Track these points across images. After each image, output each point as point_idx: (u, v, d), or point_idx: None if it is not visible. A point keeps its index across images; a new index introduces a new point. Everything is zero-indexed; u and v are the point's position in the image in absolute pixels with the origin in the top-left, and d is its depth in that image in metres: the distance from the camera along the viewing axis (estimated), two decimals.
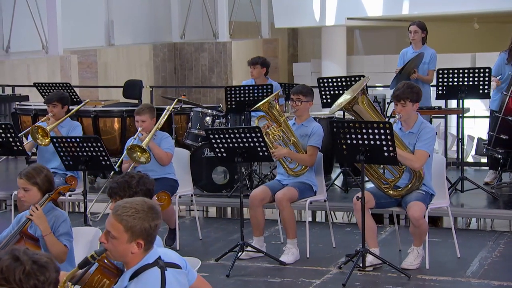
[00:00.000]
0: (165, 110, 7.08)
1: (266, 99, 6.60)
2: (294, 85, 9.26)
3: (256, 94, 8.13)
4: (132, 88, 10.09)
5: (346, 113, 7.85)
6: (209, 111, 8.35)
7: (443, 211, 6.55)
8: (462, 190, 8.04)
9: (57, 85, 8.95)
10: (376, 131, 5.83)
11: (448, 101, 8.87)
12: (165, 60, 18.63)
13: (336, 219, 9.36)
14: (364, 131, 5.86)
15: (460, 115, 7.98)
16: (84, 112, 8.72)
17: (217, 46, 18.44)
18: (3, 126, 6.61)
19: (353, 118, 6.26)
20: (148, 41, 18.63)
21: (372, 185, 6.31)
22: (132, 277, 3.24)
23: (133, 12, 18.39)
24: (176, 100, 7.84)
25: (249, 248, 6.45)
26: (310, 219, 8.91)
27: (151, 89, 10.42)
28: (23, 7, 15.07)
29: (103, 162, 6.40)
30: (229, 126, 8.10)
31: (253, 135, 6.21)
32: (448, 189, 7.88)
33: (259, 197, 6.48)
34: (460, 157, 8.12)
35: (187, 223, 8.07)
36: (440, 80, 7.92)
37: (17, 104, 9.27)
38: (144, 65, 18.03)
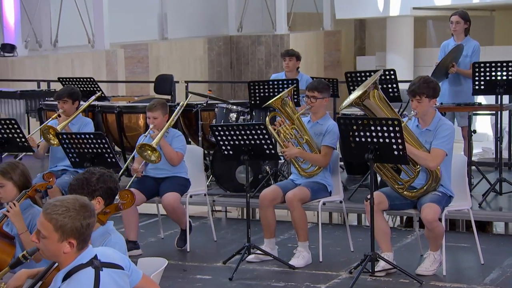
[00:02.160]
0: (178, 107, 7.17)
1: (279, 95, 6.64)
2: (332, 80, 9.30)
3: (281, 89, 8.16)
4: (163, 83, 10.25)
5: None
6: (234, 107, 8.44)
7: (464, 213, 6.45)
8: (500, 193, 7.89)
9: (81, 79, 9.20)
10: (385, 128, 5.80)
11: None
12: (220, 54, 18.82)
13: None
14: (372, 128, 5.85)
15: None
16: (108, 108, 8.96)
17: (274, 39, 18.51)
18: (7, 122, 6.86)
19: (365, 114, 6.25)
20: (203, 34, 18.86)
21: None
22: (65, 278, 3.33)
23: (187, 4, 18.65)
24: (190, 95, 7.96)
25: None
26: (340, 221, 8.92)
27: (186, 84, 10.58)
28: (71, 1, 15.52)
29: (109, 160, 6.58)
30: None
31: (258, 132, 6.27)
32: (486, 191, 7.79)
33: (269, 197, 6.53)
34: (498, 157, 7.96)
35: (208, 224, 8.16)
36: (477, 74, 7.78)
37: (46, 100, 9.56)
38: (198, 60, 18.26)
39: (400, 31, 18.96)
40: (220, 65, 18.80)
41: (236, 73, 18.90)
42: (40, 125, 8.60)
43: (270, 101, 6.66)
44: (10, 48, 13.99)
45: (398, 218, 9.84)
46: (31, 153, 7.31)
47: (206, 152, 8.75)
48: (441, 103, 8.51)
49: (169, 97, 10.00)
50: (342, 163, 9.30)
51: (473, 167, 8.19)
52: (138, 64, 16.87)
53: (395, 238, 7.32)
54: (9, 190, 4.78)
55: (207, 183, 8.38)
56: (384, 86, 8.23)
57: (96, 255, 3.38)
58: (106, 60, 15.00)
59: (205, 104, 8.71)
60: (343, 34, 20.85)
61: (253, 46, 18.72)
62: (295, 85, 7.67)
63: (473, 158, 9.54)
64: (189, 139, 9.24)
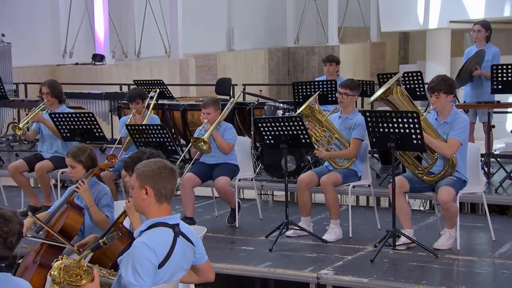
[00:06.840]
0: (228, 103, 7.25)
1: (306, 103, 6.57)
2: (370, 82, 9.23)
3: (320, 89, 8.19)
4: (223, 86, 10.39)
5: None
6: (281, 105, 8.49)
7: (478, 196, 6.37)
8: None
9: (153, 81, 9.37)
10: (405, 120, 5.79)
11: None
12: (279, 63, 18.91)
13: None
14: (394, 120, 5.83)
15: None
16: (174, 106, 9.14)
17: (326, 49, 18.47)
18: (86, 115, 7.05)
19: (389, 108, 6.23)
20: (265, 46, 18.97)
21: None
22: (149, 228, 3.45)
23: (252, 20, 18.79)
24: (240, 93, 8.07)
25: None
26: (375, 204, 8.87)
27: (243, 86, 10.68)
28: (151, 17, 15.82)
29: (169, 148, 6.72)
30: None
31: (295, 123, 6.30)
32: (503, 178, 7.67)
33: (305, 181, 6.56)
34: None
35: (256, 205, 8.22)
36: (495, 75, 7.67)
37: (123, 100, 9.78)
38: (259, 68, 18.38)
39: (438, 42, 18.68)
40: (278, 73, 18.88)
41: (292, 79, 18.89)
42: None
43: (299, 110, 6.65)
44: (100, 58, 14.35)
45: (428, 202, 9.74)
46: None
47: (258, 144, 8.83)
48: (464, 101, 8.46)
49: (227, 97, 10.10)
50: (377, 155, 9.28)
51: (493, 159, 8.06)
52: (208, 72, 17.07)
53: (419, 219, 7.28)
54: (79, 171, 4.95)
55: (257, 171, 8.48)
56: (412, 86, 8.18)
57: (178, 224, 3.49)
58: (180, 68, 15.24)
59: (256, 103, 8.79)
60: (388, 45, 20.67)
61: (307, 56, 18.74)
62: (319, 92, 7.59)
63: (496, 152, 9.40)
64: (244, 133, 9.33)
